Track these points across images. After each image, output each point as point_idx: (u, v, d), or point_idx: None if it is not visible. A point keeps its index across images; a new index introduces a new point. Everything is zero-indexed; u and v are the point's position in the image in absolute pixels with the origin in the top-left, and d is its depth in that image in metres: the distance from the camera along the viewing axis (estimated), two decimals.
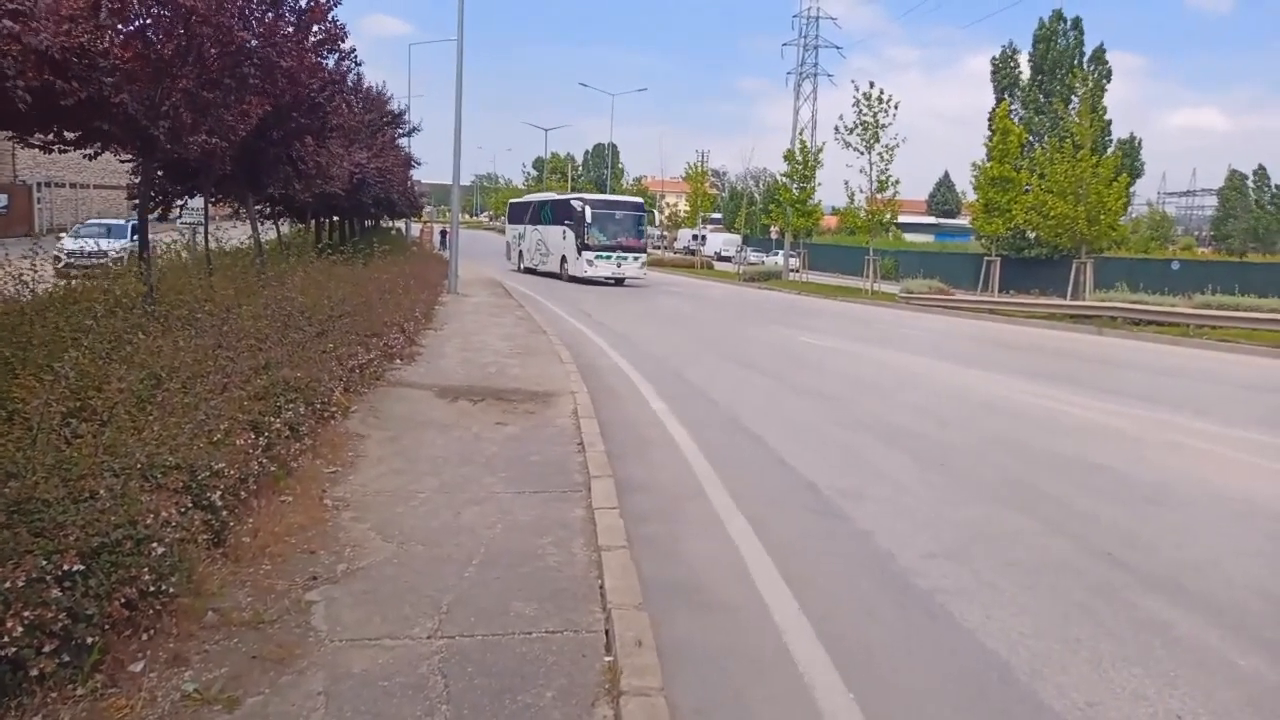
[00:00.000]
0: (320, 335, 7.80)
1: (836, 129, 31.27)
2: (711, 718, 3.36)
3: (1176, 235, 74.57)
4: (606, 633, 3.83)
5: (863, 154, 30.85)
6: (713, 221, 67.98)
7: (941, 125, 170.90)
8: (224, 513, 4.28)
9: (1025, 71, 37.80)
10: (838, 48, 71.19)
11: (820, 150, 37.44)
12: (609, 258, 30.55)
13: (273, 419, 5.34)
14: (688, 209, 54.53)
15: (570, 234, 31.10)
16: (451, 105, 21.66)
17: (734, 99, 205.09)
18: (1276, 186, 74.58)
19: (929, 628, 4.19)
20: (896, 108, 29.88)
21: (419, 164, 33.45)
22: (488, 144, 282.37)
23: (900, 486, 6.62)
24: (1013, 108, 35.18)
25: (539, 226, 34.94)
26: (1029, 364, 14.85)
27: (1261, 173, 75.78)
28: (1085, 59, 35.81)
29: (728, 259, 56.88)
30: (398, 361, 10.13)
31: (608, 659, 3.60)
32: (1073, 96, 31.44)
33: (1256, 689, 3.67)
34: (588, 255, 30.21)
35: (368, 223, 31.62)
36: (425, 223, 51.36)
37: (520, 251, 37.37)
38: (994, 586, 4.68)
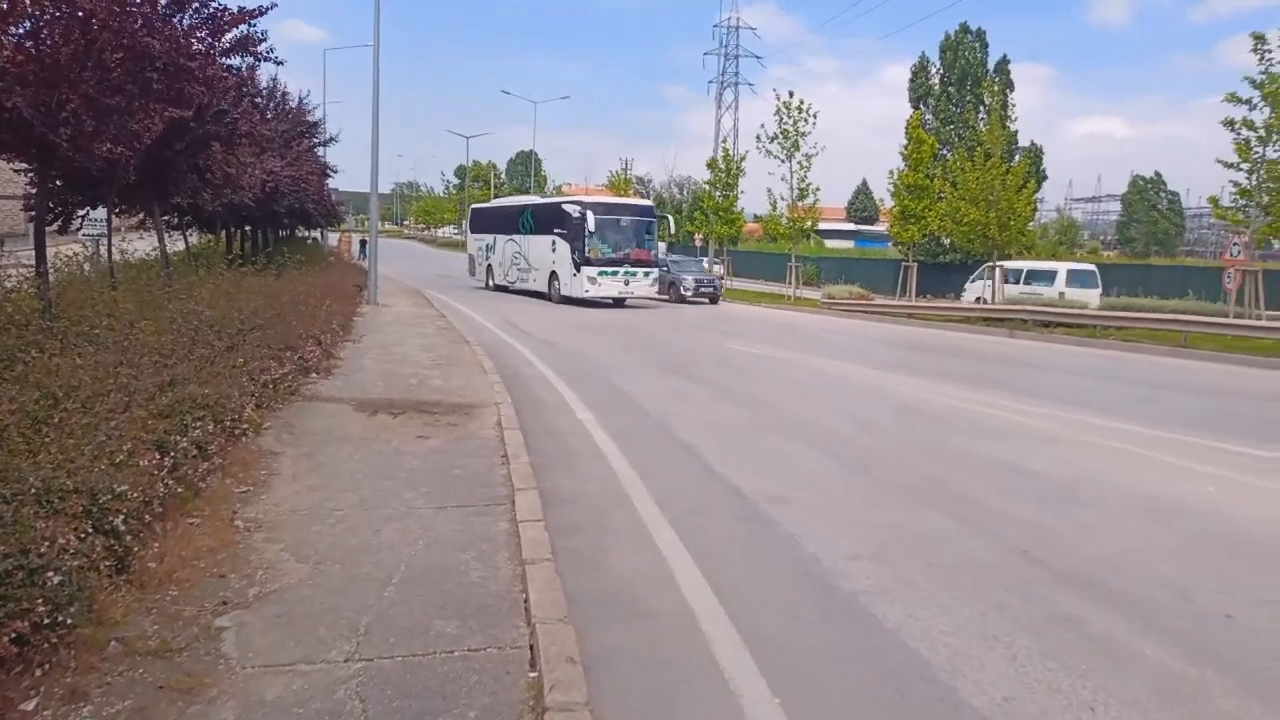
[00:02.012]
0: (230, 349, 7.53)
1: (758, 137, 31.80)
2: None
3: (1083, 239, 77.65)
4: (531, 648, 3.76)
5: (784, 162, 31.42)
6: None
7: (861, 134, 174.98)
8: (128, 537, 4.06)
9: (938, 82, 38.97)
10: (758, 57, 72.47)
11: (743, 158, 37.92)
12: (614, 274, 25.56)
13: (179, 438, 5.12)
14: None
15: (563, 245, 26.05)
16: (369, 112, 21.23)
17: (657, 107, 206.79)
18: (1173, 192, 78.34)
19: (852, 629, 4.24)
20: (816, 117, 30.52)
21: (335, 172, 30.46)
22: (409, 152, 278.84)
23: (825, 490, 6.70)
24: (926, 117, 36.23)
25: (517, 237, 29.57)
26: (946, 367, 15.24)
27: (1159, 179, 79.48)
28: (990, 70, 37.07)
29: None
30: (314, 375, 9.84)
31: (532, 675, 3.53)
32: (982, 106, 32.50)
33: (1163, 679, 3.80)
34: (589, 271, 25.19)
35: (282, 233, 30.50)
36: (345, 232, 50.20)
37: (489, 266, 31.93)
38: (915, 586, 4.75)
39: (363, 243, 38.02)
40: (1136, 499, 6.74)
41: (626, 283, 25.89)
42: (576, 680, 3.43)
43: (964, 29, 37.20)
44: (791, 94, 30.50)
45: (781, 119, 30.63)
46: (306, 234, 39.69)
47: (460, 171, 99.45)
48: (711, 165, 38.61)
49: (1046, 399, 11.47)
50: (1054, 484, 7.11)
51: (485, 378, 10.72)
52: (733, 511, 6.09)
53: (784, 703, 3.51)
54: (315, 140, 25.15)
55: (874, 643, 4.09)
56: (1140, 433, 9.28)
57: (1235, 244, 20.68)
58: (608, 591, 4.61)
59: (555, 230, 26.62)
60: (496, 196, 76.23)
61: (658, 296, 28.83)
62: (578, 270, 25.48)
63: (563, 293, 26.24)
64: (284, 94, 20.48)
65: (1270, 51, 18.64)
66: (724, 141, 57.23)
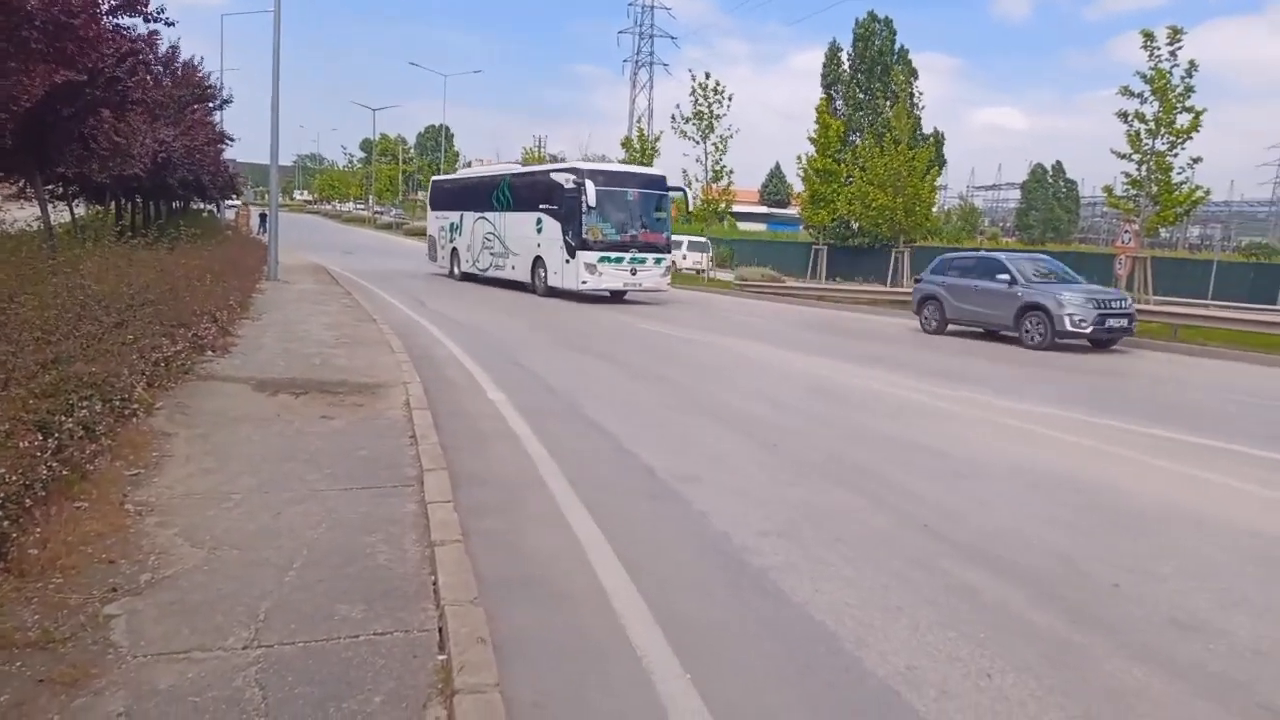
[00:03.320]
0: (119, 326, 7.14)
1: (673, 118, 31.98)
2: (549, 709, 3.30)
3: (985, 226, 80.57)
4: (440, 630, 3.69)
5: (698, 143, 31.58)
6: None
7: (774, 118, 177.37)
8: (5, 523, 3.83)
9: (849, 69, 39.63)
10: (673, 38, 72.58)
11: (658, 139, 37.94)
12: (620, 260, 21.03)
13: (64, 418, 4.84)
14: None
15: (551, 225, 21.68)
16: (270, 79, 20.38)
17: (572, 85, 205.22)
18: (1069, 181, 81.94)
19: (761, 604, 4.30)
20: (730, 99, 30.80)
21: (232, 141, 28.19)
22: (311, 123, 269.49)
23: (735, 468, 6.78)
24: (837, 103, 36.86)
25: (490, 214, 25.08)
26: (854, 348, 15.61)
27: (1059, 168, 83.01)
28: (895, 58, 37.91)
29: None
30: (209, 353, 9.45)
31: (441, 658, 3.47)
32: (890, 93, 33.26)
33: (1052, 644, 3.97)
34: (586, 257, 20.66)
35: (175, 205, 29.02)
36: (244, 205, 48.27)
37: (454, 250, 27.42)
38: (822, 561, 4.85)
39: (262, 216, 36.49)
40: (1027, 473, 7.02)
41: (633, 271, 21.25)
42: (487, 662, 3.38)
43: (872, 16, 37.90)
44: (708, 75, 30.66)
45: (697, 100, 30.78)
46: (202, 207, 38.00)
47: (366, 145, 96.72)
48: (626, 145, 38.54)
49: (945, 378, 11.86)
50: (954, 460, 7.36)
51: (393, 357, 10.48)
52: (645, 491, 6.10)
53: (694, 678, 3.53)
54: (211, 105, 23.99)
55: (783, 617, 4.16)
56: (1029, 410, 9.69)
57: (1126, 232, 21.71)
58: (520, 573, 4.56)
59: (542, 206, 22.23)
60: (403, 174, 74.55)
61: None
62: (572, 256, 20.91)
63: (550, 283, 21.91)
64: (184, 63, 19.54)
65: (1159, 48, 19.57)
66: (638, 121, 57.20)
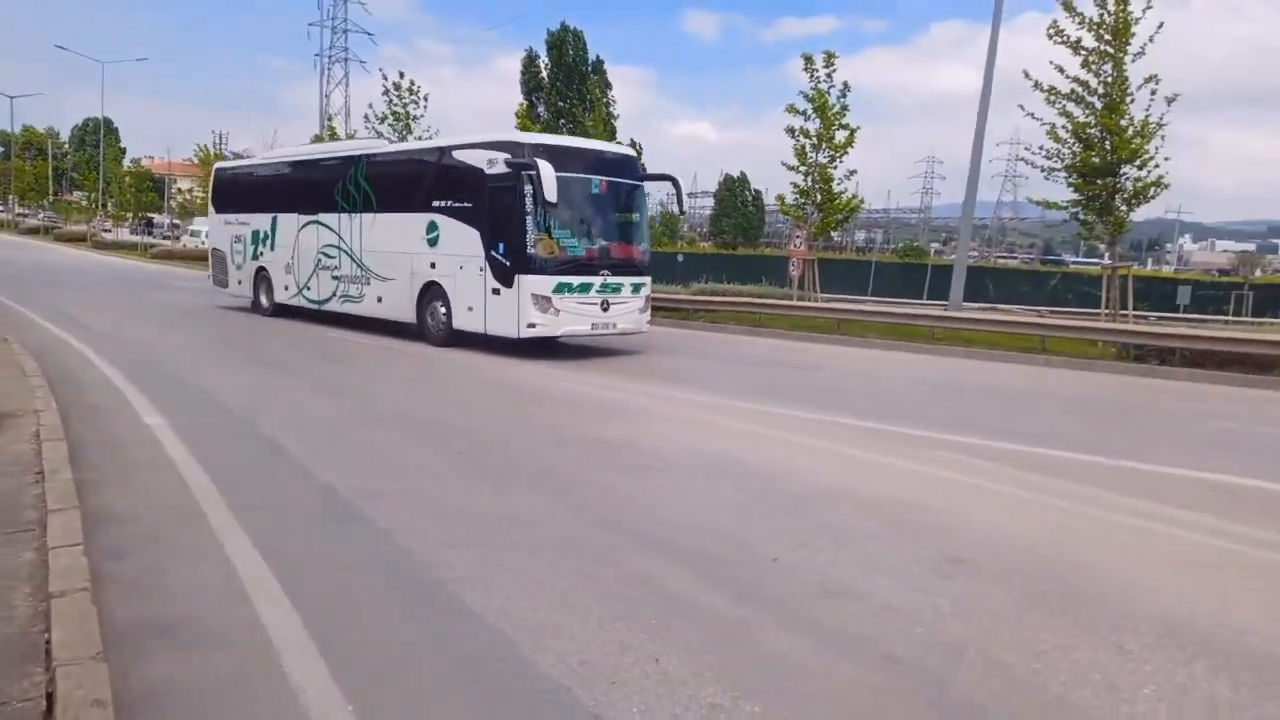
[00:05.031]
0: None
1: (367, 117, 30.68)
2: None
3: (684, 231, 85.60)
4: (49, 696, 3.16)
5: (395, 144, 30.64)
6: None
7: (478, 122, 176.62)
8: None
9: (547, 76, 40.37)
10: (369, 34, 70.17)
11: (351, 136, 36.36)
12: (586, 289, 13.73)
13: None
14: (203, 195, 49.81)
15: (464, 234, 14.23)
16: None
17: (257, 78, 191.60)
18: (757, 189, 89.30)
19: (439, 619, 4.14)
20: (427, 99, 30.06)
21: None
22: None
23: (423, 481, 6.55)
24: (539, 110, 37.39)
25: (334, 217, 17.25)
26: (558, 350, 15.81)
27: (744, 178, 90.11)
28: (591, 69, 39.21)
29: None
30: None
31: None
32: (589, 102, 34.30)
33: (717, 622, 4.17)
34: (534, 285, 13.23)
35: None
36: None
37: (262, 272, 19.75)
38: (506, 568, 4.78)
39: None
40: (709, 463, 7.43)
41: (605, 306, 13.99)
42: None
43: (564, 27, 38.90)
44: (402, 74, 29.76)
45: (392, 100, 29.83)
46: None
47: (4, 138, 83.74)
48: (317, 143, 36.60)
49: (644, 377, 12.33)
50: (640, 454, 7.62)
51: (24, 381, 9.05)
52: (323, 512, 5.72)
53: (357, 709, 3.31)
54: None
55: (459, 630, 4.03)
56: (719, 403, 10.32)
57: (798, 237, 23.91)
58: (164, 616, 4.06)
59: (439, 204, 14.76)
60: (56, 170, 65.15)
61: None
62: (507, 282, 13.48)
63: (457, 325, 14.53)
64: None
65: (818, 71, 21.72)
66: (330, 120, 54.46)
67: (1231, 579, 5.01)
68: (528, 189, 13.06)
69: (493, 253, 13.71)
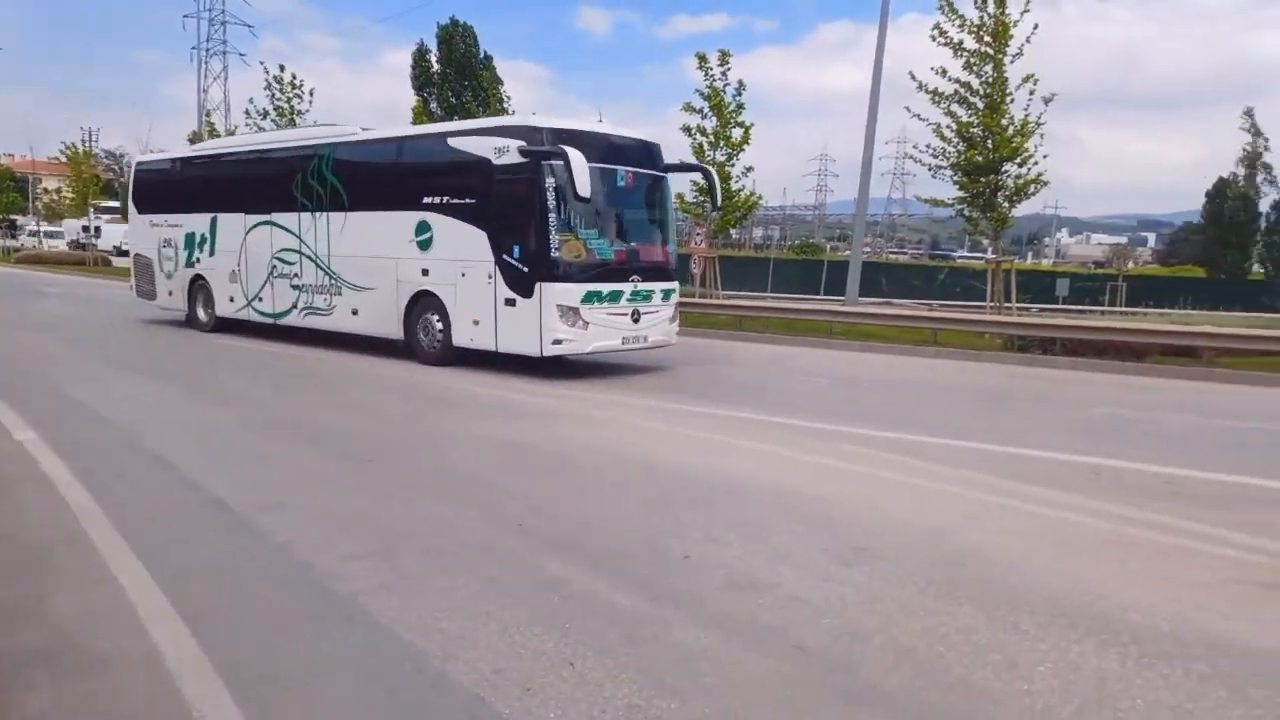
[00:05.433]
0: None
1: (247, 112, 29.69)
2: None
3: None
4: None
5: None
6: (109, 210, 58.11)
7: (366, 117, 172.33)
8: None
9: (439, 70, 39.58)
10: (249, 26, 67.94)
11: (233, 132, 35.05)
12: (616, 297, 12.08)
13: None
14: (72, 195, 47.22)
15: (469, 236, 12.31)
16: None
17: (127, 71, 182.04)
18: None
19: (345, 632, 4.01)
20: (311, 94, 29.26)
21: None
22: None
23: (324, 491, 6.36)
24: (432, 105, 36.67)
25: (292, 217, 15.19)
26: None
27: None
28: (481, 64, 38.63)
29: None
30: None
31: None
32: (482, 97, 33.88)
33: (632, 623, 4.17)
34: (560, 294, 11.50)
35: None
36: None
37: (196, 280, 17.55)
38: (414, 576, 4.67)
39: None
40: (625, 464, 7.43)
41: (636, 317, 12.37)
42: None
43: (454, 22, 38.22)
44: (283, 68, 28.85)
45: (274, 94, 28.88)
46: None
47: None
48: (195, 140, 35.19)
49: (557, 380, 12.22)
50: (551, 457, 7.58)
51: None
52: (215, 527, 5.48)
53: None
54: None
55: (367, 642, 3.92)
56: (641, 404, 10.30)
57: (699, 235, 24.17)
58: (44, 646, 3.82)
59: (433, 200, 12.81)
60: None
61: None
62: (527, 292, 11.73)
63: (457, 341, 12.71)
64: None
65: (713, 69, 21.99)
66: (208, 116, 52.43)
67: (1114, 558, 5.29)
68: (549, 181, 11.33)
69: (505, 257, 11.86)
